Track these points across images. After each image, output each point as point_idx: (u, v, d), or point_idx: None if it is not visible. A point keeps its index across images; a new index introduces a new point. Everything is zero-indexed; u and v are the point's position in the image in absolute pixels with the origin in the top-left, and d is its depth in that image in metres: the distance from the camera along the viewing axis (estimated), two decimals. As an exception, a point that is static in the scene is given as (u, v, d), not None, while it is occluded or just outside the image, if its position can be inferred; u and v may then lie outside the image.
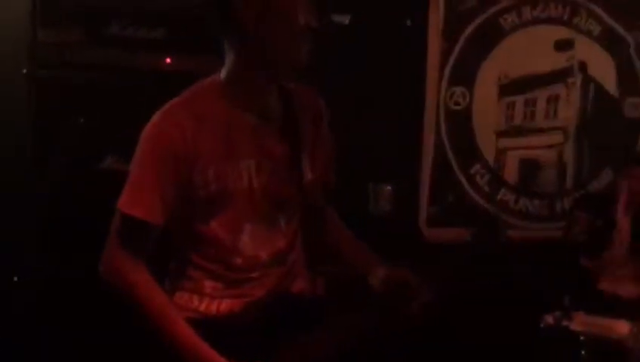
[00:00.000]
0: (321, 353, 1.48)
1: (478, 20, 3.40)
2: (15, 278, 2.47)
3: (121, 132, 2.51)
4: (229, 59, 1.55)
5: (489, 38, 3.42)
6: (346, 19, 3.19)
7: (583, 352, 2.54)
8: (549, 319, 2.72)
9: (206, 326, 1.47)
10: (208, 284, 1.53)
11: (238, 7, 1.46)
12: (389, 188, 3.15)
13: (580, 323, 2.65)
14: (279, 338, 1.48)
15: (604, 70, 3.55)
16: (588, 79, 3.55)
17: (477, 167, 3.47)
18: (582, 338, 2.56)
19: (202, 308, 1.52)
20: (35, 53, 2.48)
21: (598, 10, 3.51)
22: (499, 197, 3.49)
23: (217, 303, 1.52)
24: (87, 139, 2.47)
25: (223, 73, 1.57)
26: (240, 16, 1.45)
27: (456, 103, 3.43)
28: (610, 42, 3.54)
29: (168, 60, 2.59)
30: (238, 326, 1.48)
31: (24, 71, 2.48)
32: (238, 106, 1.52)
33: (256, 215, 1.53)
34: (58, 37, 2.50)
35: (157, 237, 1.50)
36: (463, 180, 3.44)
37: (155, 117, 1.53)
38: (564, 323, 2.63)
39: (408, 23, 3.32)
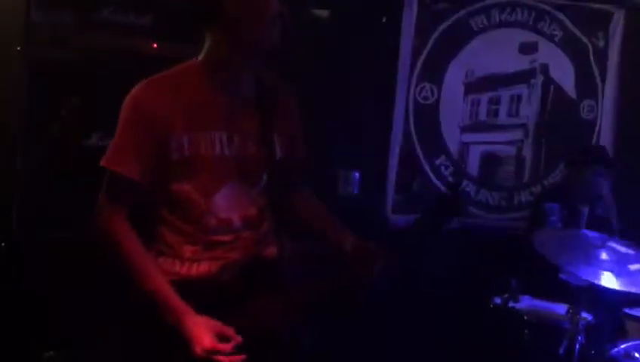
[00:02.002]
0: (288, 309, 1.62)
1: (449, 21, 3.58)
2: (2, 244, 2.58)
3: (108, 111, 2.67)
4: (208, 43, 1.67)
5: (458, 38, 3.60)
6: (324, 13, 3.33)
7: (526, 331, 2.77)
8: (497, 300, 2.95)
9: (185, 286, 1.59)
10: (187, 249, 1.64)
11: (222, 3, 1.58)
12: (357, 174, 3.30)
13: (524, 304, 2.88)
14: (251, 298, 1.61)
15: (564, 73, 3.77)
16: (549, 81, 3.77)
17: (442, 158, 3.66)
18: (525, 318, 2.79)
19: (183, 271, 1.63)
20: (29, 33, 2.60)
21: (562, 17, 3.73)
22: (461, 188, 3.68)
23: (196, 265, 1.64)
24: (76, 117, 2.59)
25: (200, 56, 1.69)
26: (219, 13, 1.59)
27: (425, 98, 3.61)
28: (571, 47, 3.76)
29: (155, 45, 2.73)
30: (213, 286, 1.61)
31: (18, 49, 2.60)
32: (214, 85, 1.65)
33: (228, 181, 1.65)
34: (51, 18, 2.62)
35: (138, 193, 1.62)
36: (429, 170, 3.63)
37: (136, 87, 1.66)
38: (511, 304, 2.86)
39: (383, 19, 3.47)
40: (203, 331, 1.54)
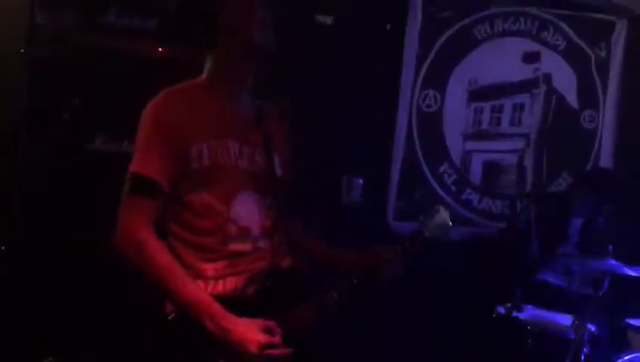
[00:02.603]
0: (310, 318, 1.64)
1: (453, 29, 3.58)
2: (3, 247, 2.55)
3: (112, 114, 2.65)
4: (209, 62, 1.74)
5: (462, 46, 3.61)
6: (329, 20, 3.33)
7: (529, 340, 2.76)
8: (501, 309, 2.94)
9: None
10: (209, 267, 1.63)
11: (222, 31, 1.66)
12: (360, 181, 3.30)
13: (528, 314, 2.88)
14: (277, 309, 1.61)
15: (566, 83, 3.78)
16: (551, 90, 3.78)
17: (445, 166, 3.66)
18: (529, 327, 2.78)
19: (209, 289, 1.61)
20: (33, 34, 2.57)
21: (565, 27, 3.74)
22: (464, 196, 3.69)
23: (222, 282, 1.63)
24: (80, 119, 2.56)
25: (204, 75, 1.76)
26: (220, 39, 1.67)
27: (428, 106, 3.61)
28: (573, 57, 3.77)
29: (160, 49, 2.71)
30: (241, 300, 1.60)
31: (22, 50, 2.58)
32: (220, 99, 1.70)
33: (244, 191, 1.68)
34: (54, 20, 2.60)
35: (161, 205, 1.59)
36: (431, 178, 3.63)
37: (155, 99, 1.68)
38: (514, 313, 2.85)
39: (388, 27, 3.47)
40: (253, 330, 1.53)
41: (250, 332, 1.53)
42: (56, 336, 2.55)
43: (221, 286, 1.64)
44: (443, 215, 1.87)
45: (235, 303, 1.59)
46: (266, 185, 1.74)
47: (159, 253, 1.55)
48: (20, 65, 2.60)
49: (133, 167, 1.60)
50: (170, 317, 1.59)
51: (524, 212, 3.32)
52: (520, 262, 3.22)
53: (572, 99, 3.80)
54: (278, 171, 1.77)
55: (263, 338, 1.53)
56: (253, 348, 1.51)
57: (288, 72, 3.15)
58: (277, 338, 1.56)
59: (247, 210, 1.68)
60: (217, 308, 1.54)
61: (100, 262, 2.41)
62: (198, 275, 1.63)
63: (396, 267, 1.80)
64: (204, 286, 1.62)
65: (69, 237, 2.57)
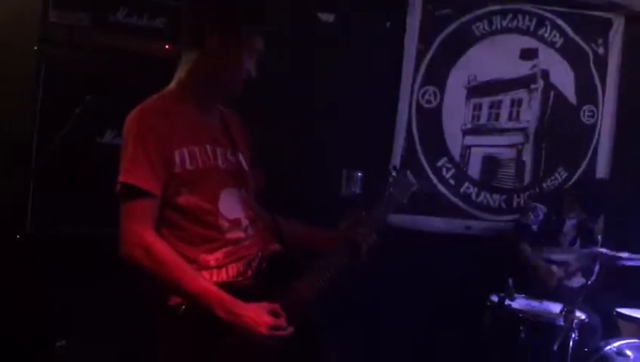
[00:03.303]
0: (307, 296, 1.75)
1: (452, 26, 3.67)
2: (17, 236, 2.67)
3: (121, 110, 2.76)
4: (186, 69, 1.81)
5: (461, 43, 3.70)
6: (330, 18, 3.42)
7: (521, 328, 2.85)
8: (494, 298, 3.04)
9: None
10: (210, 258, 1.73)
11: (207, 30, 1.76)
12: (360, 174, 3.39)
13: (520, 303, 2.97)
14: (275, 289, 1.72)
15: (564, 79, 3.85)
16: (549, 86, 3.86)
17: (444, 160, 3.75)
18: (521, 315, 2.88)
19: (214, 278, 1.71)
20: (46, 32, 2.67)
21: (562, 24, 3.82)
22: (462, 190, 3.78)
23: (224, 270, 1.74)
24: (91, 115, 2.68)
25: (173, 83, 1.84)
26: (208, 39, 1.75)
27: (428, 101, 3.70)
28: (571, 53, 3.84)
29: (167, 46, 2.82)
30: (243, 285, 1.71)
31: (35, 48, 2.70)
32: (190, 108, 1.80)
33: (226, 187, 1.80)
34: (68, 19, 2.70)
35: (155, 209, 1.68)
36: (430, 172, 3.72)
37: (134, 114, 1.77)
38: (507, 302, 2.94)
39: (388, 24, 3.56)
40: (261, 313, 1.64)
41: (259, 315, 1.63)
42: (68, 326, 2.67)
43: (224, 274, 1.75)
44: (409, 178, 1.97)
45: (238, 288, 1.69)
46: (240, 180, 1.87)
47: (166, 253, 1.65)
48: (34, 62, 2.70)
49: (122, 178, 1.69)
50: (182, 309, 1.68)
51: (533, 211, 3.39)
52: (514, 257, 3.32)
53: (570, 94, 3.87)
54: (246, 167, 1.90)
55: (270, 320, 1.64)
56: (263, 330, 1.62)
57: (289, 69, 3.27)
58: (282, 320, 1.67)
59: (232, 204, 1.80)
60: (226, 296, 1.64)
61: (108, 251, 2.57)
62: (202, 267, 1.74)
63: (369, 234, 1.91)
64: (209, 275, 1.72)
65: (80, 225, 2.69)
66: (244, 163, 1.90)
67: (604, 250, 2.75)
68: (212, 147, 1.81)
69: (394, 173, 2.02)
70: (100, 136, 2.75)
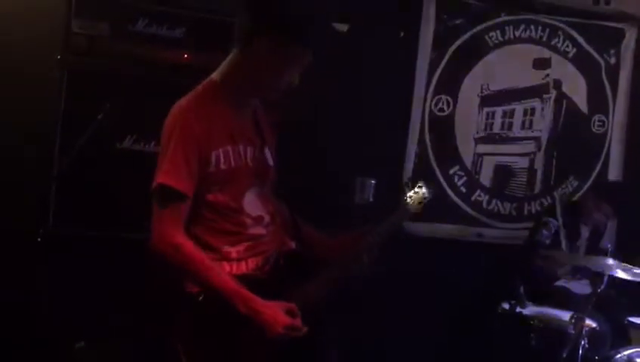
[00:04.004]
0: (318, 294, 1.83)
1: (466, 36, 3.70)
2: (39, 239, 2.75)
3: (141, 116, 2.84)
4: (229, 62, 1.85)
5: (474, 52, 3.73)
6: (345, 28, 3.46)
7: (532, 335, 2.87)
8: (505, 306, 3.06)
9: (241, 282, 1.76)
10: (232, 250, 1.82)
11: (257, 31, 1.78)
12: (373, 182, 3.43)
13: (531, 310, 2.99)
14: (290, 285, 1.82)
15: (576, 88, 3.88)
16: (561, 96, 3.88)
17: (456, 168, 3.78)
18: (532, 322, 2.90)
19: (234, 270, 1.80)
20: (69, 41, 2.76)
21: (575, 34, 3.85)
22: (474, 197, 3.81)
23: (244, 263, 1.83)
24: (112, 121, 2.75)
25: (217, 75, 1.87)
26: (256, 41, 1.78)
27: (441, 110, 3.73)
28: (583, 63, 3.87)
29: (186, 56, 2.89)
30: (260, 278, 1.80)
31: (58, 57, 2.78)
32: (229, 104, 1.84)
33: (251, 186, 1.88)
34: (90, 28, 2.79)
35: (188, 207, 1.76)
36: (442, 180, 3.75)
37: (176, 112, 1.82)
38: (518, 309, 2.96)
39: (401, 34, 3.60)
40: (279, 312, 1.72)
41: (277, 314, 1.71)
42: (87, 327, 2.74)
43: (244, 267, 1.84)
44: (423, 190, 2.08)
45: (255, 281, 1.77)
46: (264, 177, 1.94)
47: (194, 252, 1.74)
48: (57, 70, 2.78)
49: (161, 178, 1.73)
50: (200, 298, 1.76)
51: (545, 226, 3.41)
52: (526, 266, 3.34)
53: (582, 104, 3.90)
54: (271, 162, 1.96)
55: (288, 320, 1.72)
56: (279, 329, 1.70)
57: (304, 77, 3.31)
58: (298, 321, 1.74)
59: (255, 202, 1.88)
60: (248, 293, 1.73)
61: (125, 253, 2.65)
62: (223, 257, 1.82)
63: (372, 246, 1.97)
64: (229, 266, 1.81)
65: (99, 228, 2.76)
66: (269, 159, 1.95)
67: (611, 261, 2.77)
68: (244, 147, 1.87)
69: (408, 185, 2.06)
70: (119, 141, 2.83)
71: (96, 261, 2.71)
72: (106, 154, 2.80)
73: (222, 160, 1.79)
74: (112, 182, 2.76)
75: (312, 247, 2.03)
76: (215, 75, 1.90)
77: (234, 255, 1.83)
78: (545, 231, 3.39)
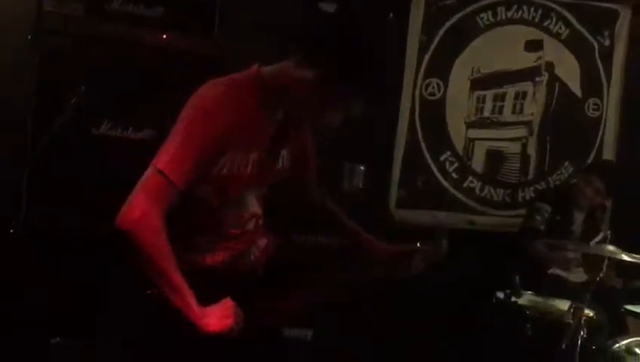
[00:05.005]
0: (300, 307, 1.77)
1: (456, 17, 3.60)
2: (11, 230, 2.61)
3: (118, 101, 2.71)
4: (283, 69, 1.66)
5: (465, 34, 3.62)
6: (332, 8, 3.35)
7: (528, 325, 2.80)
8: (500, 295, 2.98)
9: (203, 275, 1.64)
10: (201, 240, 1.69)
11: (318, 60, 1.59)
12: (362, 168, 3.33)
13: (526, 299, 2.91)
14: (259, 285, 1.73)
15: (569, 71, 3.79)
16: (554, 79, 3.79)
17: (447, 154, 3.69)
18: (528, 312, 2.82)
19: (200, 260, 1.68)
20: (40, 20, 2.61)
21: (568, 15, 3.75)
22: (466, 184, 3.71)
23: (210, 256, 1.70)
24: (87, 105, 2.61)
25: (264, 70, 1.69)
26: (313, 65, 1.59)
27: (431, 94, 3.62)
28: (576, 45, 3.78)
29: (165, 37, 2.75)
30: (225, 274, 1.69)
31: (29, 37, 2.63)
32: (261, 105, 1.68)
33: (246, 190, 1.73)
34: (62, 7, 2.64)
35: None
36: (433, 166, 3.66)
37: (209, 96, 1.62)
38: (513, 299, 2.88)
39: (390, 16, 3.48)
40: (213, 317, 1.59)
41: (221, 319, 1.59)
42: (63, 323, 2.61)
43: (210, 259, 1.72)
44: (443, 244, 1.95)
45: (220, 275, 1.67)
46: (268, 179, 1.80)
47: (164, 242, 1.57)
48: (28, 51, 2.64)
49: (163, 164, 1.57)
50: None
51: (538, 212, 3.35)
52: (521, 253, 3.27)
53: (575, 87, 3.81)
54: (283, 164, 1.82)
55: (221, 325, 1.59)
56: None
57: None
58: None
59: (243, 204, 1.75)
60: (194, 309, 1.58)
61: (108, 249, 2.52)
62: (196, 249, 1.70)
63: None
64: (194, 257, 1.69)
65: (76, 218, 2.63)
66: (283, 161, 1.81)
67: (610, 247, 2.69)
68: (258, 153, 1.72)
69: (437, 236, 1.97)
70: (95, 127, 2.69)
71: (72, 251, 2.58)
72: (82, 141, 2.66)
73: (227, 165, 1.65)
74: (87, 169, 2.62)
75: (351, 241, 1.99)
76: (261, 68, 1.72)
77: (202, 245, 1.71)
78: (537, 217, 3.34)
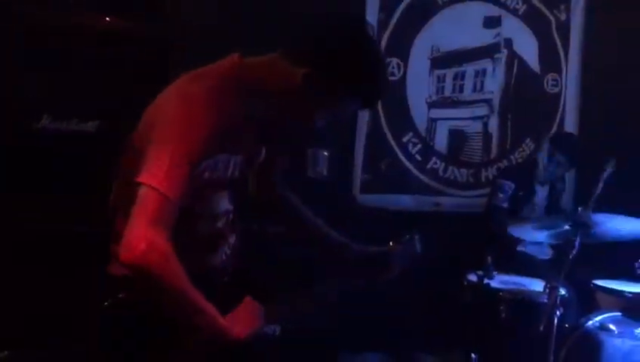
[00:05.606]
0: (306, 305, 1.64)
1: (414, -5, 3.51)
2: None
3: (59, 92, 2.49)
4: (266, 63, 1.52)
5: (424, 12, 3.54)
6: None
7: (501, 307, 2.75)
8: (472, 277, 2.92)
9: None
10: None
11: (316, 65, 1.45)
12: (326, 153, 3.23)
13: (499, 281, 2.86)
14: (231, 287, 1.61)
15: (527, 47, 3.76)
16: (513, 55, 3.75)
17: (409, 135, 3.61)
18: (501, 294, 2.77)
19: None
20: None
21: (525, -10, 3.73)
22: (429, 165, 3.65)
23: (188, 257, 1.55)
24: (24, 97, 2.40)
25: (247, 61, 1.54)
26: (312, 72, 1.45)
27: (392, 74, 3.53)
28: (534, 20, 3.74)
29: (108, 19, 2.55)
30: (197, 278, 1.51)
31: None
32: (244, 102, 1.53)
33: (221, 192, 1.61)
34: (-8, -8, 2.42)
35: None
36: (396, 148, 3.58)
37: (196, 96, 1.46)
38: (486, 281, 2.83)
39: (347, -7, 3.37)
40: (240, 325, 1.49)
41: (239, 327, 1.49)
42: (10, 336, 2.41)
43: (190, 260, 1.53)
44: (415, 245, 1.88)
45: (198, 276, 1.49)
46: (246, 179, 1.68)
47: (181, 268, 1.43)
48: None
49: (157, 181, 1.39)
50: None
51: (500, 189, 3.31)
52: (491, 234, 3.23)
53: (534, 63, 3.78)
54: (262, 157, 1.70)
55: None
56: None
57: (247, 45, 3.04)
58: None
59: (217, 204, 1.62)
60: (220, 320, 1.46)
61: (52, 247, 2.33)
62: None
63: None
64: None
65: (16, 215, 2.41)
66: (261, 156, 1.69)
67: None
68: (242, 157, 1.59)
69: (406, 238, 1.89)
70: (35, 121, 2.47)
71: (17, 256, 2.37)
72: (20, 136, 2.44)
73: (211, 167, 1.51)
74: (27, 166, 2.40)
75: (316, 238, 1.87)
76: (242, 59, 1.55)
77: (179, 249, 1.54)
78: (500, 195, 3.31)
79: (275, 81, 1.51)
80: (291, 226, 1.95)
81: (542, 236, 2.74)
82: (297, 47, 1.50)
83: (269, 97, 1.54)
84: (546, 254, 3.37)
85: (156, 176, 1.39)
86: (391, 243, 1.86)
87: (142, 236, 1.36)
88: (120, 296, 1.53)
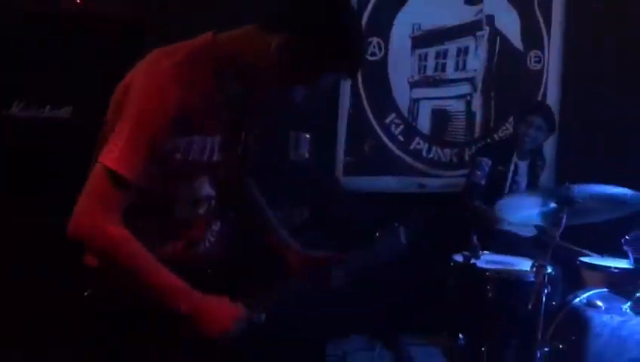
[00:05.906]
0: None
1: (394, -29, 3.44)
2: None
3: (30, 77, 2.41)
4: (240, 36, 1.45)
5: (404, -12, 3.47)
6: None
7: (488, 286, 2.73)
8: (458, 257, 2.90)
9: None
10: (153, 232, 1.49)
11: (294, 30, 1.39)
12: (308, 136, 3.17)
13: (485, 260, 2.84)
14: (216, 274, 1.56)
15: (509, 24, 3.71)
16: (495, 33, 3.71)
17: (392, 116, 3.56)
18: (488, 274, 2.75)
19: (156, 251, 1.47)
20: None
21: (506, -35, 3.67)
22: (412, 146, 3.61)
23: (171, 245, 1.53)
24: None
25: (220, 37, 1.46)
26: (292, 38, 1.38)
27: (373, 54, 3.47)
28: (516, -3, 3.71)
29: (79, 1, 2.47)
30: (181, 265, 1.48)
31: None
32: (221, 80, 1.46)
33: (199, 176, 1.54)
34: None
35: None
36: (379, 130, 3.53)
37: (159, 74, 1.40)
38: (472, 261, 2.81)
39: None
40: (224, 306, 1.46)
41: (225, 309, 1.47)
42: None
43: (170, 248, 1.54)
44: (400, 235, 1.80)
45: (181, 266, 1.47)
46: (226, 163, 1.60)
47: (138, 248, 1.40)
48: None
49: (114, 164, 1.36)
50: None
51: (478, 166, 3.29)
52: (475, 213, 3.21)
53: (516, 40, 3.74)
54: (241, 145, 1.62)
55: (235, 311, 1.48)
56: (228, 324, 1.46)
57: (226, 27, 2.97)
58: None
59: (197, 190, 1.56)
60: (196, 293, 1.44)
61: (23, 239, 2.26)
62: (146, 235, 1.47)
63: (341, 276, 1.78)
64: (150, 246, 1.47)
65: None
66: (244, 145, 1.62)
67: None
68: (220, 138, 1.52)
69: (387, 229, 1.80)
70: (6, 108, 2.39)
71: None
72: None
73: (181, 150, 1.44)
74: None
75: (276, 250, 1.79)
76: (216, 35, 1.47)
77: (154, 238, 1.50)
78: (477, 172, 3.29)
79: (250, 52, 1.44)
80: (241, 212, 1.84)
81: (528, 216, 2.71)
82: (273, 14, 1.43)
83: (245, 70, 1.46)
84: (530, 231, 3.37)
85: (111, 154, 1.35)
86: (377, 234, 1.81)
87: (88, 212, 1.36)
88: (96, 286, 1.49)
